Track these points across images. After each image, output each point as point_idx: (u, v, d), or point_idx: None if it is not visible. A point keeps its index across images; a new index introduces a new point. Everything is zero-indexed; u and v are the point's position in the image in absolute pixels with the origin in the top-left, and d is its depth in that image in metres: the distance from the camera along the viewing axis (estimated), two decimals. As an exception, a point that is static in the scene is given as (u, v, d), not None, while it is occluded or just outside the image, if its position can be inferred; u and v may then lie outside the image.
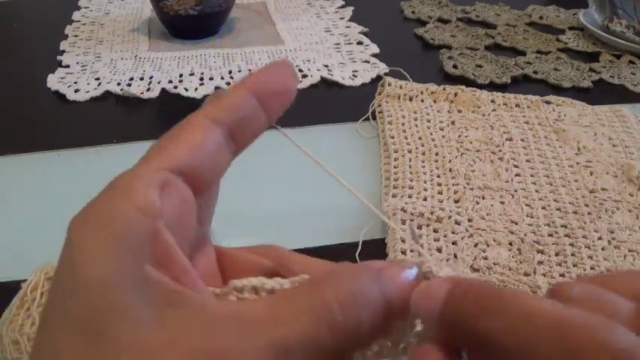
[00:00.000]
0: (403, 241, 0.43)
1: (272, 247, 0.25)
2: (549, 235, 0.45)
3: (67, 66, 0.71)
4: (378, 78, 0.69)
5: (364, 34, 0.83)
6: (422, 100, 0.63)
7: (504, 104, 0.63)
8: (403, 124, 0.58)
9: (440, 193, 0.49)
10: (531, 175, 0.52)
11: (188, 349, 0.16)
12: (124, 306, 0.16)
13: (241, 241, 0.25)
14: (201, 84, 0.68)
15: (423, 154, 0.54)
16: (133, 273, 0.17)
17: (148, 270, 0.17)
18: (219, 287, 0.21)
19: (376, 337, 0.20)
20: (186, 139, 0.20)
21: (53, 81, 0.68)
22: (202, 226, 0.22)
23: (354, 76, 0.71)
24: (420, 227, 0.45)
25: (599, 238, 0.45)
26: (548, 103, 0.64)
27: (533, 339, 0.15)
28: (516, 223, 0.46)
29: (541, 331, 0.15)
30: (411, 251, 0.43)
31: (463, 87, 0.64)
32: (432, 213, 0.46)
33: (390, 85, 0.64)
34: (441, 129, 0.58)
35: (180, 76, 0.70)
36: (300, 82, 0.67)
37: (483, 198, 0.49)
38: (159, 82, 0.68)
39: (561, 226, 0.46)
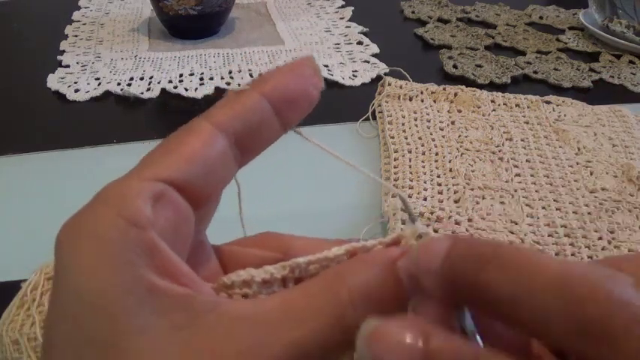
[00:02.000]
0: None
1: (269, 235, 0.23)
2: (549, 235, 0.45)
3: (67, 66, 0.71)
4: (378, 78, 0.69)
5: (364, 34, 0.83)
6: (422, 100, 0.63)
7: (504, 104, 0.63)
8: (403, 124, 0.58)
9: (440, 193, 0.49)
10: (531, 175, 0.52)
11: (203, 353, 0.16)
12: (139, 318, 0.16)
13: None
14: (201, 84, 0.68)
15: (423, 154, 0.54)
16: (141, 286, 0.16)
17: (154, 279, 0.17)
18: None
19: None
20: (184, 148, 0.19)
21: (53, 81, 0.68)
22: (200, 231, 0.22)
23: (354, 76, 0.71)
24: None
25: (599, 238, 0.45)
26: (548, 103, 0.64)
27: (535, 289, 0.15)
28: (516, 223, 0.46)
29: (542, 280, 0.15)
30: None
31: (463, 87, 0.64)
32: (432, 213, 0.46)
33: (390, 85, 0.64)
34: (441, 129, 0.58)
35: (180, 76, 0.70)
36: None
37: (483, 198, 0.49)
38: (159, 82, 0.68)
39: (561, 226, 0.46)
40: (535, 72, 0.72)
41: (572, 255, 0.43)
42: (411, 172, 0.51)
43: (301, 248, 0.22)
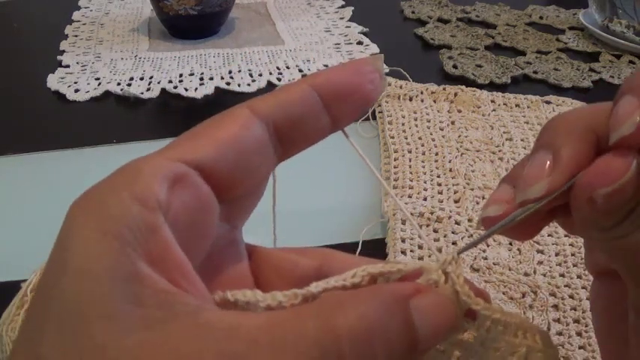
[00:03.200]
0: (403, 240, 0.43)
1: (316, 249, 0.22)
2: (549, 235, 0.45)
3: (67, 66, 0.71)
4: (378, 78, 0.69)
5: (364, 34, 0.83)
6: (422, 100, 0.63)
7: (504, 104, 0.63)
8: (403, 124, 0.58)
9: (440, 193, 0.49)
10: (531, 175, 0.52)
11: (167, 356, 0.14)
12: (110, 303, 0.15)
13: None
14: (201, 84, 0.68)
15: (423, 154, 0.54)
16: (124, 267, 0.15)
17: (141, 266, 0.15)
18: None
19: None
20: (216, 131, 0.18)
21: (53, 81, 0.68)
22: (234, 227, 0.20)
23: (354, 76, 0.71)
24: (420, 227, 0.45)
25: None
26: (548, 103, 0.64)
27: None
28: (516, 223, 0.46)
29: None
30: (412, 251, 0.43)
31: (463, 87, 0.64)
32: (432, 213, 0.46)
33: (390, 85, 0.64)
34: (441, 129, 0.58)
35: (180, 76, 0.70)
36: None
37: (483, 198, 0.49)
38: (159, 82, 0.68)
39: (561, 226, 0.46)
40: (535, 72, 0.72)
41: (572, 255, 0.43)
42: (411, 172, 0.51)
43: (338, 260, 0.21)
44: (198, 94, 0.66)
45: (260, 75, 0.71)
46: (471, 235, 0.45)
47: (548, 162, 0.18)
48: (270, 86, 0.68)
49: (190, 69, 0.71)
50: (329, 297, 0.17)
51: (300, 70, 0.72)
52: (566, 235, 0.45)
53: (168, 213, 0.16)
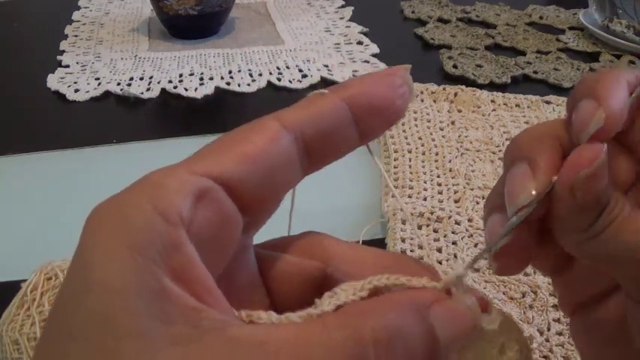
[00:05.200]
0: (403, 240, 0.43)
1: (311, 238, 0.21)
2: (549, 235, 0.45)
3: (67, 66, 0.71)
4: (378, 78, 0.69)
5: (364, 34, 0.83)
6: (422, 100, 0.63)
7: (504, 104, 0.63)
8: (403, 124, 0.58)
9: (440, 193, 0.49)
10: (531, 175, 0.52)
11: None
12: (139, 320, 0.14)
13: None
14: (201, 84, 0.68)
15: (423, 154, 0.54)
16: (150, 284, 0.15)
17: (166, 282, 0.15)
18: (260, 299, 0.19)
19: None
20: (244, 144, 0.17)
21: (53, 81, 0.68)
22: (248, 236, 0.20)
23: (354, 76, 0.71)
24: (420, 227, 0.45)
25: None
26: (548, 103, 0.64)
27: None
28: (516, 223, 0.46)
29: None
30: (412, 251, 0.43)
31: (463, 87, 0.64)
32: (432, 213, 0.46)
33: (390, 85, 0.64)
34: (441, 129, 0.58)
35: (180, 76, 0.70)
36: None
37: (483, 198, 0.49)
38: (159, 82, 0.68)
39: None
40: (535, 72, 0.72)
41: (572, 255, 0.43)
42: (411, 172, 0.51)
43: (341, 259, 0.20)
44: (198, 94, 0.66)
45: (260, 75, 0.71)
46: (471, 235, 0.45)
47: (528, 171, 0.20)
48: (270, 86, 0.68)
49: (190, 69, 0.71)
50: (351, 307, 0.17)
51: (300, 70, 0.72)
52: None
53: (191, 229, 0.16)
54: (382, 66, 0.72)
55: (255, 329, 0.16)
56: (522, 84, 0.71)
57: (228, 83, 0.68)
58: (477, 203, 0.48)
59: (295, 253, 0.21)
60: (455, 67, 0.72)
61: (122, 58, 0.74)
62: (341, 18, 0.89)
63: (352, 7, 0.91)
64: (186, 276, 0.15)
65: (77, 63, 0.72)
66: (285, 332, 0.16)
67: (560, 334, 0.38)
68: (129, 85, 0.67)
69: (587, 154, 0.18)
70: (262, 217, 0.19)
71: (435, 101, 0.63)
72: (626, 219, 0.19)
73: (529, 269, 0.42)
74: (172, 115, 0.64)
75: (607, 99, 0.19)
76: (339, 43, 0.80)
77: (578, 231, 0.19)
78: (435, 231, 0.45)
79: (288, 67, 0.73)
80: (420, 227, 0.45)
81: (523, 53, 0.78)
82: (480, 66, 0.73)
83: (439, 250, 0.43)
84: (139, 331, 0.14)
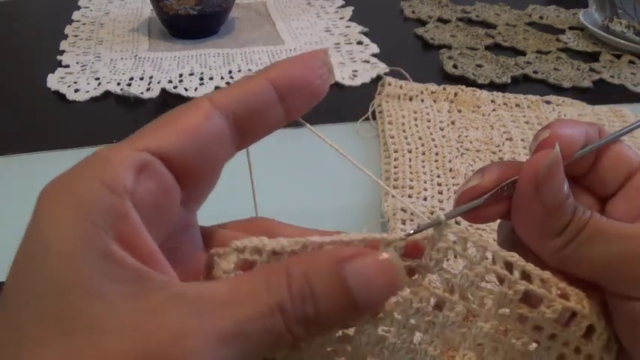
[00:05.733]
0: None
1: (260, 221, 0.24)
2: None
3: (67, 66, 0.71)
4: (378, 78, 0.69)
5: (364, 34, 0.83)
6: (422, 100, 0.63)
7: (504, 104, 0.63)
8: (403, 124, 0.58)
9: (440, 193, 0.49)
10: (531, 175, 0.52)
11: (152, 322, 0.16)
12: (90, 280, 0.16)
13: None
14: (201, 84, 0.68)
15: (423, 154, 0.54)
16: (99, 248, 0.16)
17: (114, 247, 0.17)
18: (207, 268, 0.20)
19: (338, 326, 0.20)
20: (179, 121, 0.19)
21: (53, 81, 0.68)
22: (190, 210, 0.22)
23: (354, 76, 0.71)
24: (418, 225, 0.45)
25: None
26: (548, 103, 0.64)
27: None
28: (516, 223, 0.46)
29: None
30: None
31: (463, 87, 0.64)
32: (432, 213, 0.46)
33: (389, 85, 0.64)
34: (441, 129, 0.58)
35: (180, 75, 0.70)
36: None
37: (483, 198, 0.49)
38: (159, 82, 0.68)
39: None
40: (535, 72, 0.72)
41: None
42: (411, 172, 0.51)
43: (286, 234, 0.22)
44: (199, 94, 0.66)
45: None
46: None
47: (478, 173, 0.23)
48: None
49: (190, 69, 0.71)
50: (279, 262, 0.19)
51: (300, 70, 0.72)
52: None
53: (135, 198, 0.18)
54: (382, 66, 0.72)
55: (194, 285, 0.18)
56: (522, 84, 0.71)
57: (228, 83, 0.68)
58: (477, 203, 0.48)
59: (243, 231, 0.23)
60: (455, 67, 0.72)
61: (122, 58, 0.74)
62: (341, 18, 0.89)
63: (352, 7, 0.91)
64: (131, 242, 0.17)
65: (77, 63, 0.72)
66: (219, 284, 0.18)
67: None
68: (129, 85, 0.67)
69: (540, 154, 0.21)
70: (202, 192, 0.21)
71: (435, 101, 0.63)
72: (600, 220, 0.21)
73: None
74: (172, 115, 0.64)
75: (562, 127, 0.22)
76: (339, 43, 0.80)
77: (554, 235, 0.21)
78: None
79: (288, 67, 0.73)
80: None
81: (523, 53, 0.78)
82: (480, 66, 0.73)
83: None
84: (92, 290, 0.16)
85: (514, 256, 0.21)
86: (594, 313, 0.21)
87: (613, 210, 0.22)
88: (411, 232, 0.21)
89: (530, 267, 0.21)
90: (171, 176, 0.19)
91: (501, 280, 0.21)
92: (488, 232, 0.45)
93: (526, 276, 0.21)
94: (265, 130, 0.21)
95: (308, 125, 0.23)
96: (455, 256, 0.22)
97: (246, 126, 0.20)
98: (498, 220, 0.24)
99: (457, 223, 0.46)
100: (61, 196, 0.17)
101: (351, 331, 0.21)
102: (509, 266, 0.21)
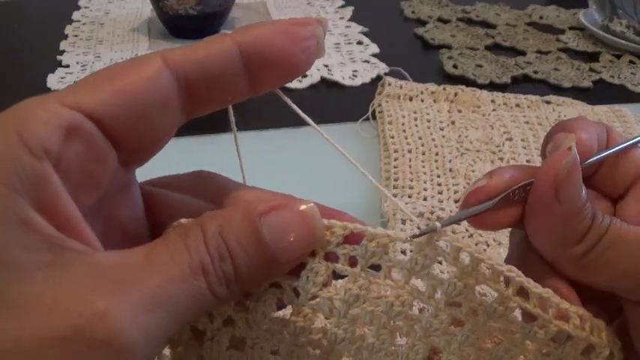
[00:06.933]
0: (403, 241, 0.43)
1: (207, 179, 0.22)
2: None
3: (67, 66, 0.71)
4: (378, 78, 0.69)
5: (364, 34, 0.83)
6: (422, 100, 0.63)
7: (504, 104, 0.63)
8: (403, 124, 0.58)
9: (440, 193, 0.49)
10: (531, 175, 0.52)
11: (68, 301, 0.15)
12: (4, 250, 0.15)
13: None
14: (201, 84, 0.68)
15: (423, 154, 0.54)
16: (14, 214, 0.15)
17: (30, 213, 0.15)
18: (143, 233, 0.20)
19: (263, 283, 0.20)
20: (120, 79, 0.17)
21: (53, 81, 0.68)
22: (128, 170, 0.19)
23: (354, 76, 0.71)
24: (419, 227, 0.45)
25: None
26: (548, 103, 0.64)
27: None
28: (516, 223, 0.46)
29: None
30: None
31: (463, 87, 0.64)
32: (432, 213, 0.46)
33: (390, 85, 0.64)
34: (441, 129, 0.58)
35: (180, 76, 0.70)
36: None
37: (483, 198, 0.49)
38: (159, 82, 0.68)
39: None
40: (535, 72, 0.72)
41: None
42: (411, 172, 0.51)
43: (233, 198, 0.21)
44: (198, 94, 0.66)
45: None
46: (471, 235, 0.45)
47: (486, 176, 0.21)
48: (270, 86, 0.68)
49: (190, 69, 0.71)
50: (204, 216, 0.18)
51: (300, 70, 0.72)
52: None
53: (60, 162, 0.16)
54: (382, 66, 0.72)
55: (112, 253, 0.17)
56: (522, 84, 0.70)
57: (228, 83, 0.68)
58: (477, 203, 0.48)
59: (188, 193, 0.22)
60: (455, 67, 0.72)
61: (122, 58, 0.74)
62: (341, 18, 0.89)
63: (352, 7, 0.91)
64: (50, 208, 0.16)
65: (77, 63, 0.72)
66: (137, 251, 0.17)
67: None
68: (129, 85, 0.67)
69: (559, 155, 0.20)
70: (144, 154, 0.19)
71: (435, 101, 0.63)
72: (621, 225, 0.20)
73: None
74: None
75: (578, 130, 0.20)
76: (339, 43, 0.80)
77: (574, 243, 0.20)
78: (435, 231, 0.45)
79: (288, 67, 0.73)
80: (419, 227, 0.45)
81: (523, 53, 0.78)
82: (480, 66, 0.73)
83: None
84: (6, 259, 0.15)
85: (512, 271, 0.20)
86: (597, 332, 0.20)
87: (623, 212, 0.21)
88: (409, 237, 0.21)
89: (529, 284, 0.20)
90: (105, 139, 0.17)
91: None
92: (488, 231, 0.45)
93: (523, 292, 0.20)
94: (222, 101, 0.19)
95: (310, 121, 0.21)
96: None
97: (201, 93, 0.18)
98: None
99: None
100: None
101: (322, 322, 0.20)
102: (506, 280, 0.20)
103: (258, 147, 0.56)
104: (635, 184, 0.21)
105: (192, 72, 0.17)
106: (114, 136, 0.17)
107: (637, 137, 0.22)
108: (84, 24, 0.84)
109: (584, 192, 0.20)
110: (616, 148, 0.21)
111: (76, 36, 0.80)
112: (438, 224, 0.20)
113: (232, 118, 0.21)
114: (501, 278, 0.20)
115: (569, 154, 0.19)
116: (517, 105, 0.63)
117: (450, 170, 0.52)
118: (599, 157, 0.21)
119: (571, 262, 0.20)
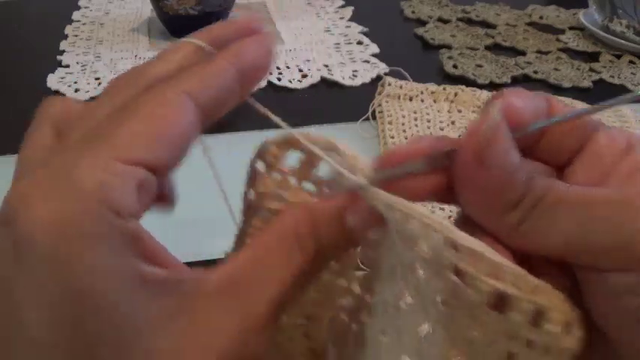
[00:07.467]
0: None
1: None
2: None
3: (67, 66, 0.71)
4: (378, 78, 0.69)
5: (364, 34, 0.83)
6: (422, 100, 0.63)
7: (504, 104, 0.63)
8: (403, 124, 0.58)
9: (440, 193, 0.49)
10: (531, 175, 0.52)
11: (201, 336, 0.17)
12: (127, 307, 0.16)
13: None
14: (201, 84, 0.68)
15: (423, 154, 0.54)
16: (127, 275, 0.17)
17: (142, 267, 0.17)
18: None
19: None
20: (161, 123, 0.18)
21: (53, 81, 0.68)
22: None
23: (354, 76, 0.71)
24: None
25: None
26: (548, 103, 0.64)
27: None
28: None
29: None
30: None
31: (463, 87, 0.64)
32: (432, 213, 0.46)
33: (390, 85, 0.64)
34: (441, 129, 0.58)
35: (180, 76, 0.70)
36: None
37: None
38: (159, 82, 0.68)
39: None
40: (535, 72, 0.72)
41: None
42: (411, 172, 0.51)
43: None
44: (198, 94, 0.66)
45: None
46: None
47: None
48: (271, 86, 0.68)
49: (190, 69, 0.71)
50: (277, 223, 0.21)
51: (300, 70, 0.72)
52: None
53: (137, 217, 0.18)
54: (382, 66, 0.72)
55: (219, 280, 0.19)
56: (522, 84, 0.70)
57: (228, 83, 0.68)
58: (477, 203, 0.48)
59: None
60: (455, 67, 0.72)
61: (122, 58, 0.74)
62: (341, 18, 0.89)
63: (352, 7, 0.91)
64: (151, 256, 0.18)
65: (77, 63, 0.72)
66: (237, 269, 0.19)
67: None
68: (129, 85, 0.67)
69: (481, 119, 0.19)
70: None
71: (435, 101, 0.63)
72: (560, 186, 0.18)
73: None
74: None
75: (508, 96, 0.19)
76: (339, 43, 0.80)
77: (507, 210, 0.18)
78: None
79: (288, 67, 0.73)
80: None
81: (523, 53, 0.78)
82: (480, 66, 0.73)
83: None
84: (136, 317, 0.17)
85: (441, 227, 0.19)
86: (542, 294, 0.18)
87: (571, 179, 0.20)
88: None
89: (459, 238, 0.18)
90: (155, 182, 0.19)
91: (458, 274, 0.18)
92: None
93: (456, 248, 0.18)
94: (225, 112, 0.21)
95: (256, 103, 0.22)
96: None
97: (209, 112, 0.20)
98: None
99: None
100: (69, 232, 0.16)
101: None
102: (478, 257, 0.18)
103: (249, 149, 0.56)
104: (582, 150, 0.20)
105: (204, 98, 0.19)
106: (160, 175, 0.19)
107: (580, 109, 0.20)
108: (84, 24, 0.84)
109: (514, 156, 0.18)
110: (558, 118, 0.19)
111: (76, 36, 0.80)
112: (364, 180, 0.20)
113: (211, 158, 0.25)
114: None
115: (491, 117, 0.18)
116: (517, 105, 0.63)
117: (450, 170, 0.52)
118: (539, 125, 0.19)
119: (508, 231, 0.19)
